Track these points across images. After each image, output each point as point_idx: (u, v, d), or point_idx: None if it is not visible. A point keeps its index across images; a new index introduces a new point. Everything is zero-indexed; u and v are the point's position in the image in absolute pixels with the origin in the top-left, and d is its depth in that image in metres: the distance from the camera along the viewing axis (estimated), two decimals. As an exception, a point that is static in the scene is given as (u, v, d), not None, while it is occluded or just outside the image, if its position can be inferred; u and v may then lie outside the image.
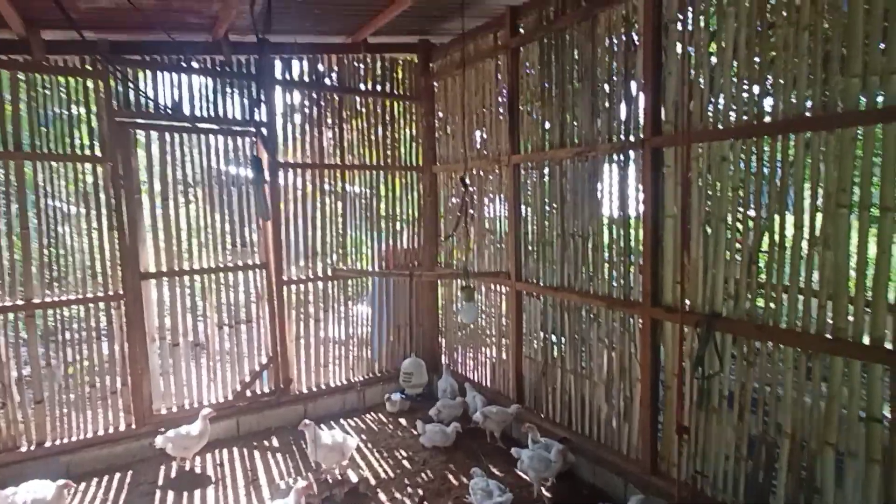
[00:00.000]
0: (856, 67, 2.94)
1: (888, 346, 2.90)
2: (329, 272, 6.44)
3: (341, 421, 6.23)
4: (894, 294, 2.85)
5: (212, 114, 5.71)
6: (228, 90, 5.80)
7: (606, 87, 4.50)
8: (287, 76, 6.13)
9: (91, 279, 5.13)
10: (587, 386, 4.92)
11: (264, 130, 5.88)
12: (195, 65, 5.62)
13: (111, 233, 5.17)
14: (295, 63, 6.18)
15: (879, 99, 2.88)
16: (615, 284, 4.57)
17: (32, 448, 4.91)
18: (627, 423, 4.51)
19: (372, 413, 6.48)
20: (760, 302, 3.51)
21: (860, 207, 3.00)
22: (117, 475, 4.98)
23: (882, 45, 2.85)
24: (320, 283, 6.44)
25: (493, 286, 6.18)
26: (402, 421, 6.21)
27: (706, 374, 3.72)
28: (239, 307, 5.99)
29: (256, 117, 5.86)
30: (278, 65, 6.03)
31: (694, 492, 3.90)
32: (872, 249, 2.99)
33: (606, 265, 4.65)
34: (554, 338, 5.34)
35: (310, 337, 6.40)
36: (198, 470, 5.09)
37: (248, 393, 6.05)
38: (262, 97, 5.86)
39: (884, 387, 2.94)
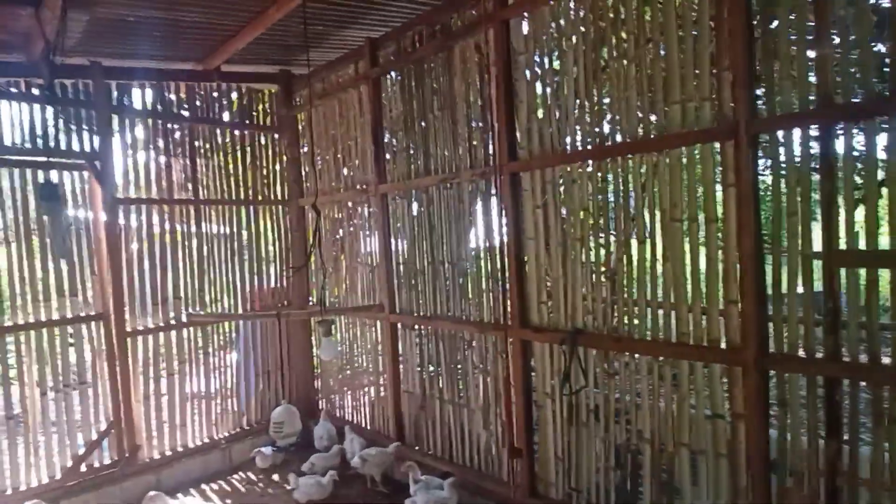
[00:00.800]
0: (675, 96, 3.26)
1: (723, 345, 3.15)
2: (184, 318, 5.74)
3: (203, 486, 5.47)
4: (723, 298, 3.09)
5: (30, 145, 4.91)
6: (52, 119, 5.04)
7: (465, 115, 4.60)
8: (126, 103, 5.50)
9: None
10: (465, 414, 4.83)
11: (98, 163, 5.17)
12: (12, 89, 4.83)
13: None
14: (137, 91, 5.59)
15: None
16: (486, 309, 4.59)
17: None
18: (506, 448, 4.47)
19: (240, 472, 5.79)
20: (617, 316, 3.69)
21: (689, 220, 3.29)
22: None
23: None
24: (174, 333, 5.71)
25: (367, 321, 5.93)
26: (275, 477, 5.61)
27: (573, 390, 3.80)
28: (68, 368, 5.07)
29: (87, 148, 5.15)
30: (115, 91, 5.40)
31: (572, 509, 3.92)
32: (703, 259, 3.28)
33: (476, 290, 4.67)
34: (431, 368, 5.23)
35: (161, 396, 5.61)
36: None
37: (84, 468, 5.09)
38: (94, 126, 5.18)
39: (723, 384, 3.19)
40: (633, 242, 3.57)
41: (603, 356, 3.74)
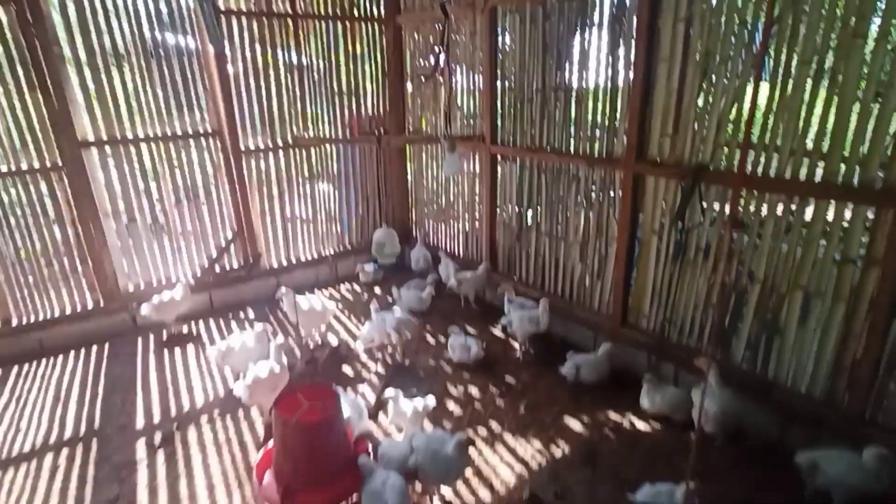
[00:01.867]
0: None
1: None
2: (290, 140, 5.98)
3: (315, 291, 6.22)
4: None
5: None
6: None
7: None
8: None
9: (22, 148, 4.59)
10: (562, 247, 4.95)
11: (199, -29, 5.00)
12: None
13: (33, 94, 4.52)
14: None
15: None
16: (598, 141, 4.39)
17: (1, 327, 4.73)
18: (600, 280, 4.63)
19: (346, 283, 6.49)
20: (750, 153, 3.41)
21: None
22: (94, 348, 4.93)
23: None
24: (281, 153, 6.01)
25: (464, 151, 5.91)
26: (377, 290, 6.25)
27: (685, 228, 3.73)
28: (195, 179, 5.58)
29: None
30: None
31: (661, 339, 4.12)
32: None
33: (590, 120, 4.42)
34: (530, 202, 5.26)
35: (275, 211, 6.13)
36: (168, 346, 5.07)
37: (217, 269, 5.89)
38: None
39: (864, 230, 3.00)
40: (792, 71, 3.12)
41: (726, 195, 3.57)
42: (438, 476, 2.94)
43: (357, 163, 6.59)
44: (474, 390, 4.19)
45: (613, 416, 3.82)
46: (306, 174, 6.35)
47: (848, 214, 3.05)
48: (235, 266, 6.01)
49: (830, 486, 2.78)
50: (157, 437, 3.68)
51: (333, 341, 4.87)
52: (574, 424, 3.74)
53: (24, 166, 4.63)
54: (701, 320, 3.89)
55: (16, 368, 4.59)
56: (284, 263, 6.33)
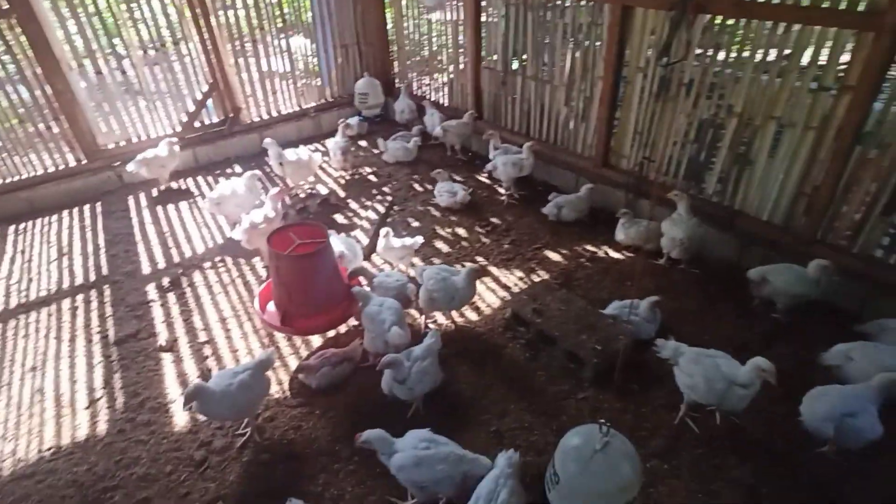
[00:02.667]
0: None
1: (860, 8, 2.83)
2: (257, -21, 5.48)
3: (300, 146, 6.17)
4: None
5: None
6: None
7: None
8: None
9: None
10: (547, 91, 4.88)
11: None
12: None
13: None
14: None
15: None
16: (587, -31, 4.11)
17: (-17, 187, 4.76)
18: (585, 122, 4.65)
19: (330, 138, 6.41)
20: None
21: None
22: (87, 206, 5.01)
23: None
24: (250, -2, 5.55)
25: (448, -12, 5.49)
26: (363, 143, 6.22)
27: (671, 62, 3.68)
28: (159, 28, 5.21)
29: None
30: None
31: (640, 177, 4.28)
32: None
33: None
34: (515, 45, 5.05)
35: (250, 63, 5.82)
36: (159, 201, 5.15)
37: (197, 124, 5.76)
38: None
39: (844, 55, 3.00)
40: None
41: (712, 27, 3.47)
42: (446, 302, 3.22)
43: (332, 8, 6.11)
44: (461, 231, 4.43)
45: (590, 248, 4.12)
46: (279, 24, 5.93)
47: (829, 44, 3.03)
48: (216, 121, 5.88)
49: (775, 294, 3.15)
50: (166, 281, 3.95)
51: (323, 191, 4.98)
52: (553, 256, 4.05)
53: (-32, 11, 4.28)
54: (678, 157, 4.02)
55: (12, 227, 4.70)
56: (266, 118, 6.19)
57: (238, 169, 5.68)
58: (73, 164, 5.12)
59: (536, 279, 3.79)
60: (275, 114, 6.25)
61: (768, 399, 2.73)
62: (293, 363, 3.23)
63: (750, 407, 2.46)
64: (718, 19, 3.50)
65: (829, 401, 2.35)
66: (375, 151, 5.89)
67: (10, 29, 4.46)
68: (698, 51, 3.61)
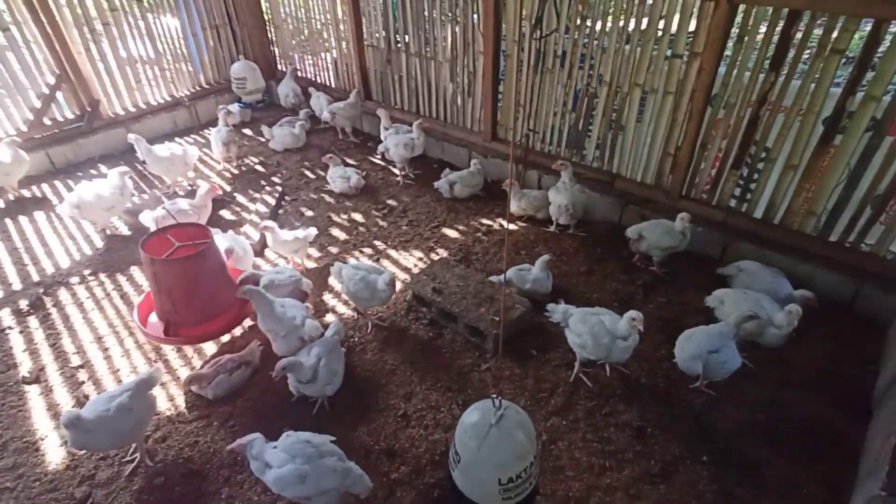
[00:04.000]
0: None
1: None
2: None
3: (178, 140, 5.70)
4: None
5: None
6: None
7: None
8: None
9: None
10: (432, 68, 4.86)
11: None
12: None
13: None
14: None
15: None
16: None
17: None
18: (471, 98, 4.69)
19: (210, 128, 5.95)
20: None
21: None
22: (-89, 227, 4.28)
23: None
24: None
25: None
26: (247, 131, 5.85)
27: (543, 35, 3.79)
28: (-18, 10, 4.49)
29: None
30: None
31: (526, 149, 4.42)
32: None
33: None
34: (396, 21, 4.96)
35: (104, 49, 5.22)
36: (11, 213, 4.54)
37: (48, 121, 5.10)
38: None
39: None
40: None
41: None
42: (365, 302, 3.12)
43: (194, -18, 5.62)
44: (357, 216, 4.34)
45: (485, 221, 4.21)
46: (137, 3, 5.35)
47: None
48: (71, 117, 5.24)
49: (650, 249, 3.42)
50: (24, 304, 3.50)
51: (204, 187, 4.62)
52: (451, 233, 4.09)
53: None
54: (560, 126, 4.19)
55: None
56: (132, 110, 5.61)
57: (104, 170, 5.12)
58: None
59: (435, 258, 3.82)
60: (143, 105, 5.69)
61: (653, 345, 2.99)
62: (185, 375, 3.02)
63: (635, 355, 2.67)
64: (583, -9, 3.64)
65: (695, 341, 2.61)
66: (262, 140, 5.57)
67: None
68: (567, 23, 3.75)
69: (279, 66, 6.47)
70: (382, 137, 4.84)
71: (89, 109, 5.26)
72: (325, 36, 5.73)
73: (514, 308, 3.09)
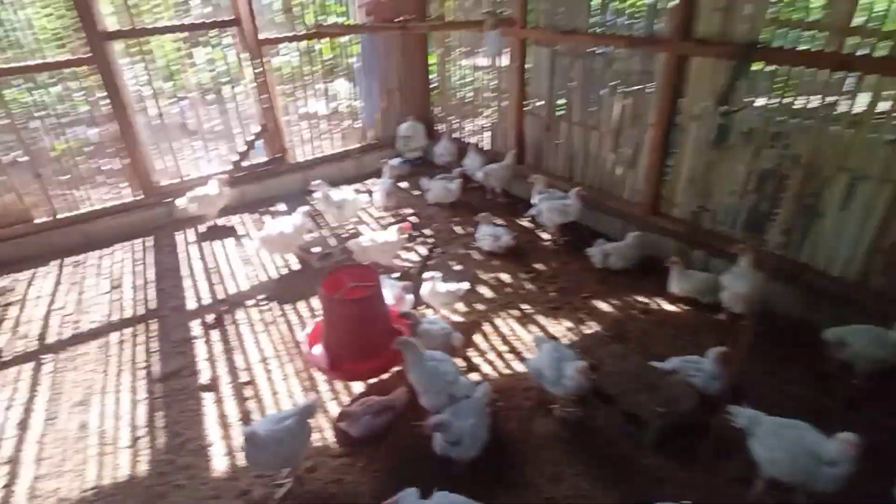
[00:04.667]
0: None
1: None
2: (309, 29, 5.71)
3: (342, 186, 6.26)
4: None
5: None
6: None
7: None
8: None
9: (55, 41, 4.50)
10: (594, 137, 4.84)
11: None
12: None
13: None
14: None
15: None
16: (640, 20, 4.11)
17: (47, 220, 4.93)
18: (633, 169, 4.56)
19: (373, 178, 6.49)
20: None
21: None
22: (139, 240, 5.12)
23: None
24: (302, 43, 5.77)
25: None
26: (403, 184, 6.25)
27: (730, 111, 3.59)
28: (218, 71, 5.45)
29: None
30: None
31: (693, 226, 4.13)
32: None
33: (631, -4, 4.12)
34: (561, 91, 5.08)
35: (297, 106, 6.02)
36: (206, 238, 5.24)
37: (246, 163, 5.92)
38: None
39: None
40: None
41: (775, 74, 3.39)
42: (553, 385, 2.90)
43: (381, 54, 6.31)
44: (505, 276, 4.33)
45: (641, 298, 3.95)
46: (323, 67, 6.14)
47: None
48: (263, 161, 6.03)
49: (855, 358, 2.91)
50: (210, 318, 3.95)
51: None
52: (603, 306, 3.89)
53: (53, 59, 4.56)
54: (737, 207, 3.87)
55: (70, 259, 4.82)
56: (310, 157, 6.33)
57: (283, 207, 5.77)
58: (129, 199, 5.30)
59: (587, 330, 3.63)
60: (319, 154, 6.39)
61: (855, 475, 2.48)
62: (334, 409, 3.13)
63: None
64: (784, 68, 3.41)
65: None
66: (416, 193, 5.91)
67: (86, 76, 4.73)
68: (760, 101, 3.51)
69: (437, 126, 6.91)
70: (534, 201, 4.85)
71: (278, 155, 6.02)
72: (486, 102, 6.03)
73: (681, 399, 2.78)
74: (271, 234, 4.26)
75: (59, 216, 4.99)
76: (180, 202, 4.99)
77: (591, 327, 3.67)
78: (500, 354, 3.51)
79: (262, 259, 4.71)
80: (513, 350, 3.53)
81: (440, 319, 3.38)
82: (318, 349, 3.22)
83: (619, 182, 4.73)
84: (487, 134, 6.21)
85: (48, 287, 4.41)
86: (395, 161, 6.33)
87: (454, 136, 6.50)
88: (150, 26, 4.94)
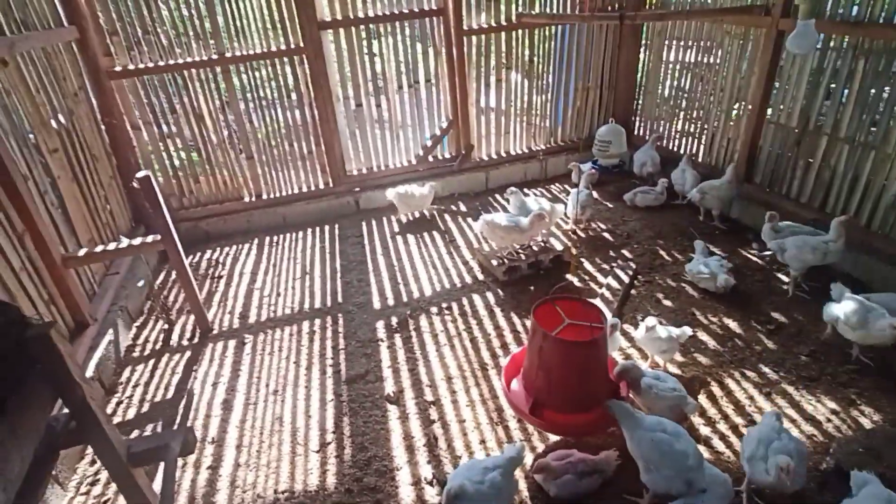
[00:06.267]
0: None
1: None
2: (514, 19, 5.34)
3: (525, 190, 5.83)
4: None
5: None
6: None
7: None
8: None
9: (272, 30, 4.71)
10: (869, 159, 3.76)
11: None
12: None
13: (279, -24, 4.50)
14: None
15: None
16: None
17: (253, 199, 5.28)
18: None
19: (556, 184, 5.97)
20: None
21: None
22: (326, 227, 5.25)
23: None
24: (504, 34, 5.43)
25: (732, 29, 4.69)
26: (594, 193, 5.61)
27: None
28: (417, 63, 5.34)
29: None
30: None
31: None
32: None
33: None
34: (828, 96, 4.05)
35: (490, 100, 5.70)
36: (389, 230, 5.17)
37: (431, 158, 5.79)
38: None
39: None
40: None
41: None
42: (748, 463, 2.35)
43: (583, 45, 5.74)
44: (732, 324, 3.53)
45: (945, 384, 2.91)
46: (526, 59, 5.72)
47: None
48: (448, 156, 5.85)
49: None
50: (394, 320, 3.79)
51: (557, 246, 4.49)
52: (883, 385, 2.93)
53: (273, 48, 4.78)
54: None
55: (268, 238, 5.10)
56: (495, 157, 6.01)
57: (462, 207, 5.52)
58: (322, 186, 5.46)
59: (863, 420, 2.74)
60: (503, 154, 6.04)
61: None
62: (526, 456, 2.72)
63: None
64: None
65: None
66: (609, 206, 5.27)
67: (300, 64, 4.89)
68: None
69: (638, 131, 6.13)
70: (765, 236, 3.90)
71: (463, 152, 5.78)
72: (704, 103, 5.13)
73: None
74: (498, 223, 4.06)
75: (265, 197, 5.30)
76: (389, 193, 5.03)
77: (868, 415, 2.76)
78: (734, 427, 2.79)
79: (447, 263, 4.47)
80: (752, 424, 2.79)
81: (668, 376, 2.74)
82: (515, 385, 2.82)
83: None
84: (701, 143, 5.30)
85: (250, 265, 4.66)
86: (587, 166, 5.73)
87: (659, 144, 5.65)
88: (361, 14, 4.96)
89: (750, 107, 4.57)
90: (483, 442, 2.83)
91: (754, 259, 4.23)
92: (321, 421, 3.01)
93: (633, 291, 3.95)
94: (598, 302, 3.73)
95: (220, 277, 4.48)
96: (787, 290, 3.79)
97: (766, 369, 3.13)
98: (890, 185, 3.68)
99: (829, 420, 2.76)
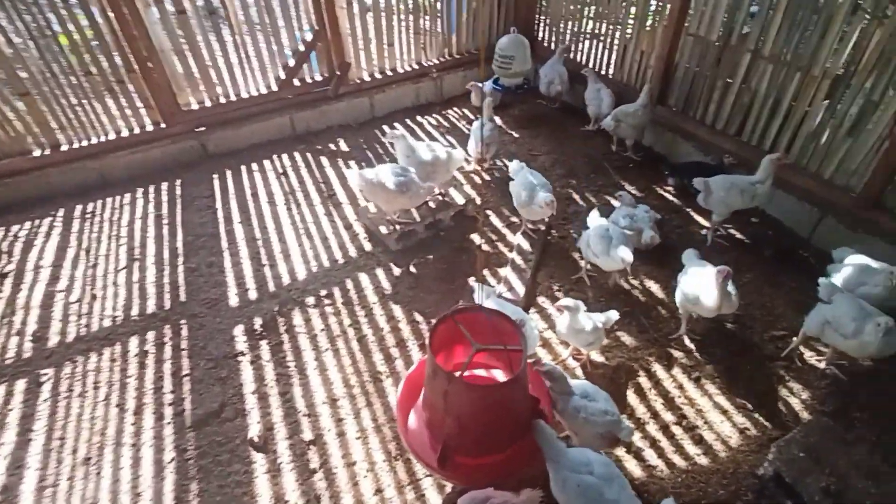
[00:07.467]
0: None
1: None
2: None
3: (418, 119, 4.90)
4: None
5: None
6: None
7: None
8: None
9: None
10: (795, 81, 3.32)
11: None
12: None
13: None
14: None
15: None
16: None
17: (47, 152, 3.84)
18: (854, 139, 3.11)
19: (454, 109, 5.07)
20: None
21: None
22: (164, 186, 4.02)
23: None
24: None
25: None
26: (498, 121, 4.83)
27: None
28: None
29: None
30: None
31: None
32: None
33: None
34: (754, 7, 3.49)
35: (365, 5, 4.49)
36: (250, 183, 4.09)
37: (297, 82, 4.57)
38: None
39: None
40: None
41: None
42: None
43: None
44: (654, 286, 3.12)
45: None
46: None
47: None
48: (319, 79, 4.67)
49: None
50: (258, 322, 2.94)
51: (459, 199, 3.73)
52: (809, 357, 2.70)
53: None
54: None
55: (78, 208, 3.78)
56: (379, 76, 4.91)
57: (343, 145, 4.51)
58: (151, 128, 4.12)
59: (800, 410, 2.48)
60: (390, 72, 4.95)
61: None
62: (433, 496, 2.20)
63: None
64: None
65: None
66: (515, 136, 4.56)
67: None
68: None
69: (543, 40, 5.27)
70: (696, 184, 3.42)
71: (338, 73, 4.63)
72: (622, 10, 4.37)
73: None
74: (383, 183, 3.10)
75: (62, 147, 3.89)
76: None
77: (803, 399, 2.52)
78: (664, 428, 2.44)
79: (326, 230, 3.59)
80: (683, 420, 2.46)
81: (599, 391, 2.23)
82: (413, 420, 2.19)
83: (824, 153, 3.29)
84: (612, 57, 4.61)
85: (50, 252, 3.41)
86: (487, 85, 4.84)
87: (568, 56, 4.85)
88: None
89: (669, 15, 3.88)
90: (380, 491, 2.25)
91: (670, 198, 3.81)
92: (157, 498, 2.22)
93: (538, 256, 3.37)
94: (510, 280, 3.14)
95: (1, 276, 3.25)
96: (706, 238, 3.42)
97: (692, 345, 2.77)
98: (813, 111, 3.30)
99: (762, 406, 2.49)
